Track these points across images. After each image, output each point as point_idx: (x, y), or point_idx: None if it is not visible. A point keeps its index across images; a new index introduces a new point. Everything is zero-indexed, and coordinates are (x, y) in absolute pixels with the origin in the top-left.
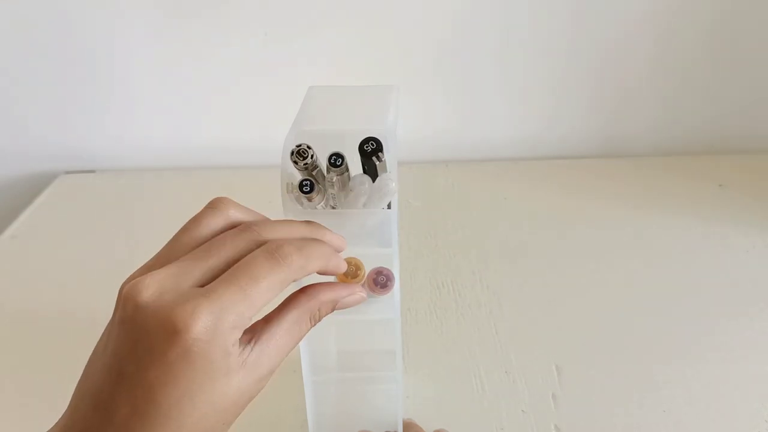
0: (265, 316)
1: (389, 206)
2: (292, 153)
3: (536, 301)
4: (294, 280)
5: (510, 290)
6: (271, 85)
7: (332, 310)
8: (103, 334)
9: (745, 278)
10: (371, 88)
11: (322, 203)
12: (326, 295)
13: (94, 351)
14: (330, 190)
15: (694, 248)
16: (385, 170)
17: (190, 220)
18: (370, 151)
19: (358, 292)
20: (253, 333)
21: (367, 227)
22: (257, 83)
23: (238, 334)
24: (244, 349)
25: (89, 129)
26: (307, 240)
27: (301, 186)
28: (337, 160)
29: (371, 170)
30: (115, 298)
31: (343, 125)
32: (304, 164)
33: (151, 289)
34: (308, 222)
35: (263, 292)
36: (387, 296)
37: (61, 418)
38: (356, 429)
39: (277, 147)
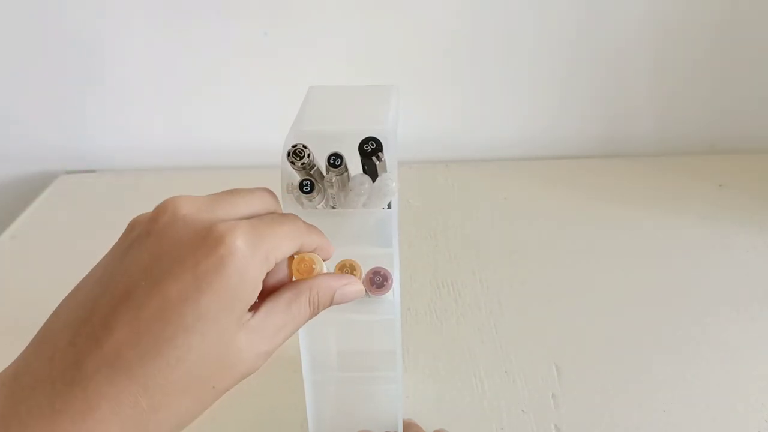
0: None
1: (389, 206)
2: (289, 153)
3: (536, 301)
4: (303, 241)
5: (510, 290)
6: (271, 85)
7: (331, 301)
8: (99, 262)
9: (745, 278)
10: (371, 88)
11: (322, 203)
12: (323, 281)
13: (80, 282)
14: (329, 191)
15: (694, 248)
16: (385, 170)
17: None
18: (370, 151)
19: (356, 283)
20: (255, 308)
21: (367, 227)
22: (257, 83)
23: (265, 270)
24: (243, 315)
25: (89, 129)
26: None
27: (301, 186)
28: (336, 161)
29: (371, 170)
30: None
31: (343, 125)
32: (302, 164)
33: (187, 205)
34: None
35: (287, 234)
36: (386, 296)
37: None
38: (356, 429)
39: (277, 147)
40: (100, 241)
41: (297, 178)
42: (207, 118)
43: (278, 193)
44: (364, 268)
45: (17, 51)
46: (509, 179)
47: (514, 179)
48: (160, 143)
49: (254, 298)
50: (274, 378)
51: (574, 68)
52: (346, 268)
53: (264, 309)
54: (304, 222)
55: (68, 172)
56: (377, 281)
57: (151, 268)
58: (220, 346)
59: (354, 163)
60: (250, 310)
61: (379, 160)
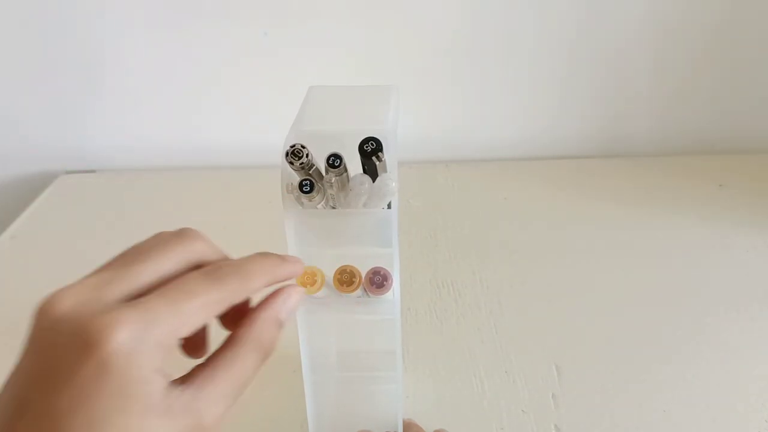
0: (204, 360)
1: (389, 206)
2: (287, 154)
3: (536, 301)
4: (234, 302)
5: (510, 290)
6: (271, 85)
7: (279, 329)
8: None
9: (745, 278)
10: (371, 88)
11: (322, 203)
12: (260, 320)
13: (8, 376)
14: (329, 191)
15: (694, 248)
16: (385, 170)
17: (148, 240)
18: (370, 151)
19: (293, 294)
20: (186, 377)
21: (367, 227)
22: (257, 83)
23: (162, 357)
24: (171, 390)
25: (89, 129)
26: (246, 259)
27: (301, 186)
28: (335, 161)
29: (371, 170)
30: None
31: (343, 125)
32: (300, 164)
33: (67, 301)
34: (261, 254)
35: (197, 309)
36: (386, 296)
37: None
38: (356, 429)
39: (277, 147)
40: (100, 241)
41: (297, 178)
42: (207, 118)
43: (279, 193)
44: (364, 268)
45: (17, 51)
46: (509, 179)
47: (514, 179)
48: (160, 143)
49: (157, 388)
50: (274, 378)
51: (574, 68)
52: (346, 274)
53: (201, 378)
54: (250, 261)
55: (68, 172)
56: (377, 281)
57: (39, 377)
58: None
59: (354, 163)
60: (182, 381)
61: (379, 160)
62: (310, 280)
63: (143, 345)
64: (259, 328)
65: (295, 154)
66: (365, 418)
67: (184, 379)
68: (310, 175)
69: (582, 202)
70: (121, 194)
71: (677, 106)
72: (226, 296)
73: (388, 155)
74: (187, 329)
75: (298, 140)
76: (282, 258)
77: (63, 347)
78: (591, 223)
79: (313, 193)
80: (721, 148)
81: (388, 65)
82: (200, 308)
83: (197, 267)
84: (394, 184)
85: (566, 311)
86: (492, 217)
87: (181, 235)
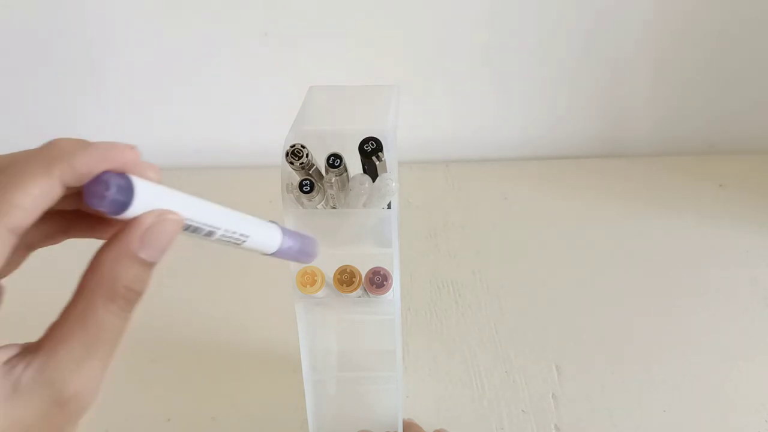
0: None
1: (389, 206)
2: (287, 154)
3: (536, 301)
4: (19, 230)
5: (510, 290)
6: (271, 85)
7: (142, 269)
8: None
9: (745, 278)
10: (371, 88)
11: (322, 203)
12: (110, 255)
13: None
14: (329, 191)
15: (694, 248)
16: (385, 170)
17: None
18: (370, 151)
19: (166, 218)
20: (32, 344)
21: (367, 227)
22: (257, 83)
23: None
24: (14, 365)
25: (89, 129)
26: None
27: (301, 186)
28: (335, 161)
29: (371, 170)
30: None
31: (343, 125)
32: (300, 164)
33: None
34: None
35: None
36: (386, 296)
37: None
38: (356, 429)
39: (278, 147)
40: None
41: (297, 178)
42: (207, 118)
43: (279, 193)
44: (364, 268)
45: (16, 51)
46: (509, 179)
47: (514, 179)
48: (160, 143)
49: None
50: (274, 378)
51: (574, 69)
52: (346, 274)
53: (46, 349)
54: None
55: None
56: (377, 281)
57: None
58: None
59: (354, 163)
60: (30, 351)
61: (379, 160)
62: (310, 280)
63: None
64: (109, 271)
65: (295, 154)
66: (365, 418)
67: (31, 346)
68: (310, 175)
69: (582, 202)
70: None
71: (677, 106)
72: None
73: (388, 155)
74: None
75: (298, 140)
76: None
77: None
78: (591, 222)
79: (313, 193)
80: (721, 148)
81: (388, 65)
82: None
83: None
84: (394, 184)
85: (566, 311)
86: (492, 217)
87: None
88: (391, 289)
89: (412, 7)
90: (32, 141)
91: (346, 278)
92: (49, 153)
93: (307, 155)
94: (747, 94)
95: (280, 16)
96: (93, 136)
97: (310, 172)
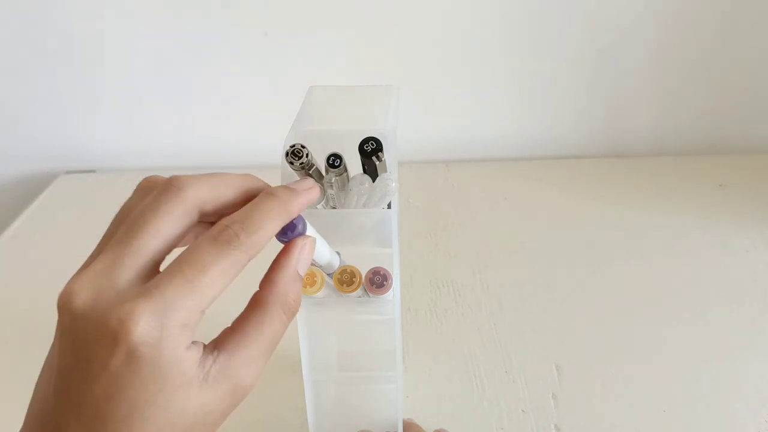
0: (231, 324)
1: (389, 206)
2: (287, 154)
3: (536, 301)
4: (251, 258)
5: (510, 290)
6: (271, 85)
7: (300, 286)
8: (52, 345)
9: (745, 278)
10: (371, 88)
11: (322, 203)
12: (284, 274)
13: (44, 364)
14: (329, 191)
15: (694, 248)
16: (385, 170)
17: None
18: (370, 150)
19: (307, 245)
20: (216, 343)
21: (367, 227)
22: (258, 83)
23: (190, 335)
24: (205, 359)
25: (89, 129)
26: (252, 206)
27: None
28: (335, 161)
29: (371, 170)
30: None
31: (343, 125)
32: (300, 164)
33: (83, 293)
34: (244, 175)
35: (213, 281)
36: (386, 296)
37: None
38: (356, 429)
39: (277, 147)
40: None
41: (297, 178)
42: (207, 119)
43: None
44: (364, 268)
45: (17, 51)
46: (509, 179)
47: (514, 179)
48: (160, 143)
49: (189, 363)
50: (274, 378)
51: (574, 68)
52: (346, 274)
53: (232, 344)
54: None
55: (68, 172)
56: (377, 281)
57: (75, 367)
58: (171, 419)
59: (354, 163)
60: (213, 347)
61: (379, 160)
62: (310, 280)
63: (166, 330)
64: (284, 288)
65: (295, 153)
66: (365, 418)
67: (216, 344)
68: (310, 175)
69: (582, 202)
70: (121, 194)
71: (677, 106)
72: (240, 258)
73: (388, 155)
74: (207, 301)
75: (298, 140)
76: (290, 190)
77: (91, 340)
78: (591, 223)
79: None
80: (721, 148)
81: (388, 65)
82: (215, 279)
83: (201, 216)
84: (394, 184)
85: (566, 311)
86: (492, 217)
87: (169, 189)
88: (391, 289)
89: (412, 7)
90: (32, 140)
91: (346, 278)
92: (278, 204)
93: (307, 155)
94: (747, 94)
95: (280, 16)
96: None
97: (310, 172)
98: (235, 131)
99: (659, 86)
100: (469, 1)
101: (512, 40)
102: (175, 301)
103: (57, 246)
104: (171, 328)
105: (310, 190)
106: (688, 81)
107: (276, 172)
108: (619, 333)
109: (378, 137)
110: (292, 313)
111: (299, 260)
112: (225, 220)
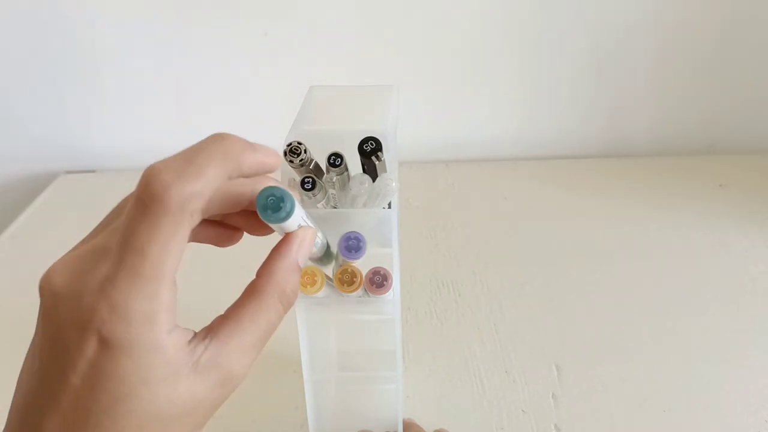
0: (225, 312)
1: (389, 206)
2: (285, 153)
3: (536, 301)
4: (196, 214)
5: (510, 290)
6: (271, 85)
7: (298, 276)
8: (35, 332)
9: (745, 278)
10: (371, 88)
11: (322, 202)
12: (282, 264)
13: (26, 355)
14: (330, 190)
15: (694, 248)
16: (385, 170)
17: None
18: (370, 150)
19: (307, 235)
20: (208, 330)
21: (367, 227)
22: (257, 83)
23: (171, 316)
24: (196, 346)
25: (89, 129)
26: (193, 148)
27: (302, 183)
28: (336, 160)
29: (371, 170)
30: None
31: (343, 125)
32: (300, 161)
33: (60, 276)
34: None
35: (156, 257)
36: (386, 296)
37: None
38: (356, 429)
39: (278, 147)
40: None
41: (298, 177)
42: (207, 118)
43: None
44: (364, 268)
45: (17, 51)
46: (509, 179)
47: (514, 179)
48: (161, 143)
49: (176, 350)
50: (274, 378)
51: (574, 68)
52: (347, 274)
53: (224, 332)
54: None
55: (68, 172)
56: (377, 281)
57: (52, 356)
58: (157, 409)
59: (354, 163)
60: (205, 335)
61: (378, 160)
62: (310, 280)
63: (143, 314)
64: (282, 278)
65: (293, 151)
66: (365, 418)
67: (208, 331)
68: (311, 171)
69: (582, 202)
70: (121, 194)
71: (677, 106)
72: (172, 218)
73: (388, 155)
74: (165, 281)
75: (298, 139)
76: (246, 142)
77: (67, 326)
78: (591, 223)
79: (315, 190)
80: (721, 148)
81: (388, 65)
82: (158, 254)
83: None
84: (394, 184)
85: (566, 311)
86: (492, 217)
87: (158, 210)
88: (391, 289)
89: (412, 6)
90: (32, 140)
91: (346, 278)
92: (223, 148)
93: (305, 151)
94: (747, 94)
95: (280, 16)
96: (93, 136)
97: (310, 167)
98: (235, 131)
99: (659, 86)
100: (469, 1)
101: (512, 40)
102: (131, 291)
103: (57, 246)
104: (150, 310)
105: (273, 159)
106: (688, 81)
107: (276, 172)
108: (619, 333)
109: (378, 137)
110: (289, 304)
111: (299, 250)
112: (151, 169)
